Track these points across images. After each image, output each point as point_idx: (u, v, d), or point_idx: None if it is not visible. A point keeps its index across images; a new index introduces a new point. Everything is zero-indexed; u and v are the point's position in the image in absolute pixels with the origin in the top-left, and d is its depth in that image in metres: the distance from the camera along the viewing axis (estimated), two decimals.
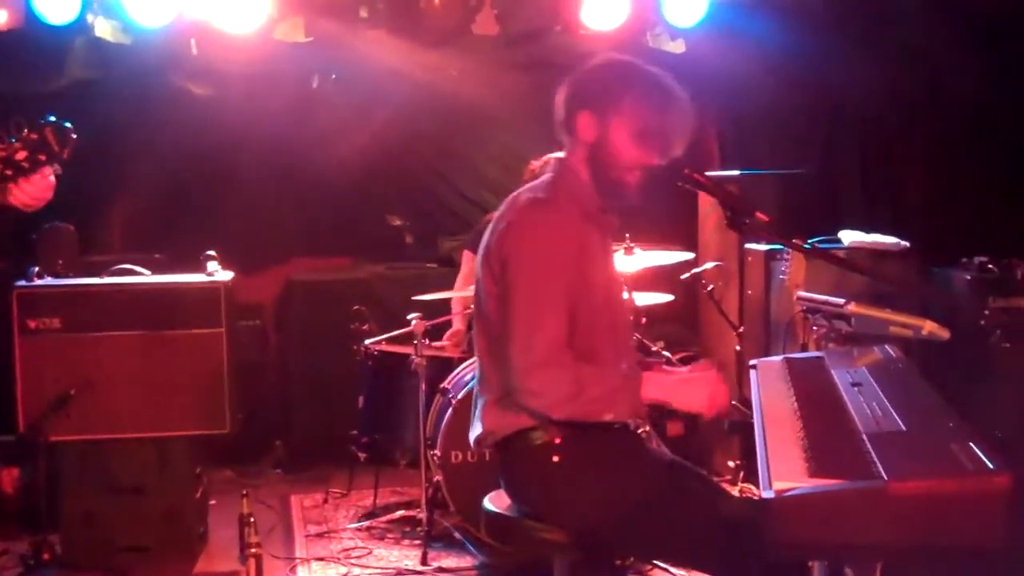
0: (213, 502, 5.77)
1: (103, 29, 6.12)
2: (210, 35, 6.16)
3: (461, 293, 5.83)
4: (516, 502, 3.20)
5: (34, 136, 3.05)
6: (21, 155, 3.03)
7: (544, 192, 3.17)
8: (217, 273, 5.30)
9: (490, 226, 3.21)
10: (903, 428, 2.73)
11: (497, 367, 3.13)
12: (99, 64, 6.38)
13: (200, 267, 5.35)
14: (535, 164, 5.58)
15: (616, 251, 3.47)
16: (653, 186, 3.18)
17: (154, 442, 5.20)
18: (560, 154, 3.28)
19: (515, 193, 3.25)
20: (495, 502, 3.26)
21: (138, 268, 5.41)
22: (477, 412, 3.26)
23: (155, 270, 5.49)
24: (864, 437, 2.68)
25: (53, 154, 3.07)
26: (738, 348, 5.83)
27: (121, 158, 6.75)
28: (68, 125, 3.05)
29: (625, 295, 5.28)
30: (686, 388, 3.10)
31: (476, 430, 3.26)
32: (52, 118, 3.07)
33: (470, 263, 6.03)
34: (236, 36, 6.13)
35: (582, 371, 3.01)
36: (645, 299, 5.71)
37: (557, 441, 3.08)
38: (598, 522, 3.02)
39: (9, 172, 3.06)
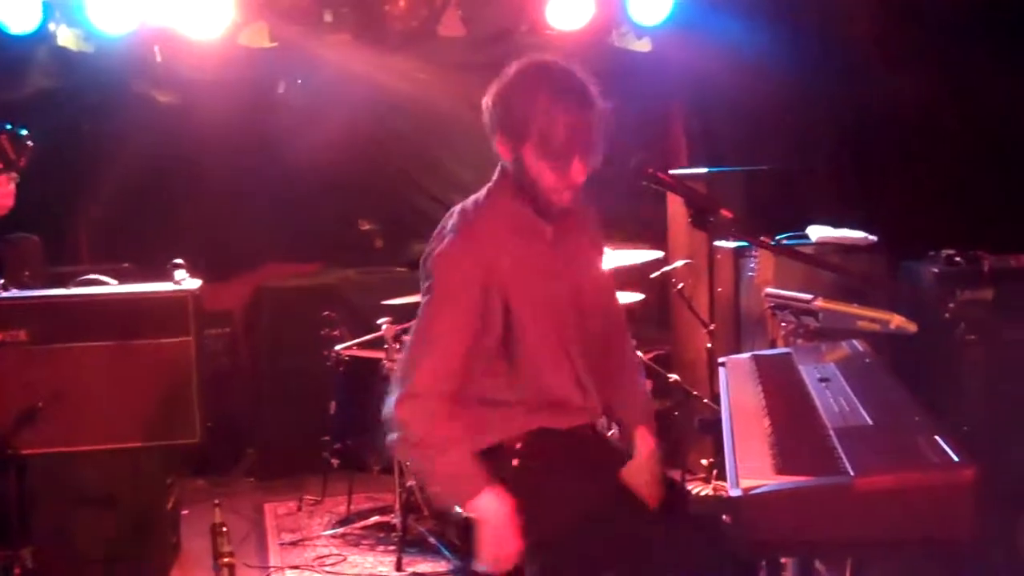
0: (185, 512, 5.74)
1: (65, 38, 6.09)
2: (174, 42, 6.14)
3: (411, 299, 5.81)
4: None
5: None
6: None
7: (471, 211, 3.14)
8: (185, 281, 5.26)
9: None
10: (870, 423, 2.74)
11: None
12: (62, 73, 6.34)
13: (167, 276, 5.31)
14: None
15: (598, 245, 3.36)
16: (621, 186, 3.16)
17: (124, 453, 5.15)
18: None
19: (461, 204, 3.22)
20: None
21: (105, 278, 5.37)
22: None
23: (122, 280, 5.45)
24: (831, 432, 2.69)
25: (9, 162, 3.03)
26: (709, 346, 5.82)
27: (86, 167, 6.71)
28: (24, 133, 3.02)
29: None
30: (491, 531, 2.96)
31: None
32: (8, 126, 3.03)
33: None
34: (200, 42, 6.11)
35: (444, 433, 2.97)
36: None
37: (518, 446, 3.09)
38: (555, 528, 2.99)
39: None
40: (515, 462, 3.08)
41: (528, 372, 3.09)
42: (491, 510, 2.95)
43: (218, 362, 6.92)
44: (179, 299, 5.18)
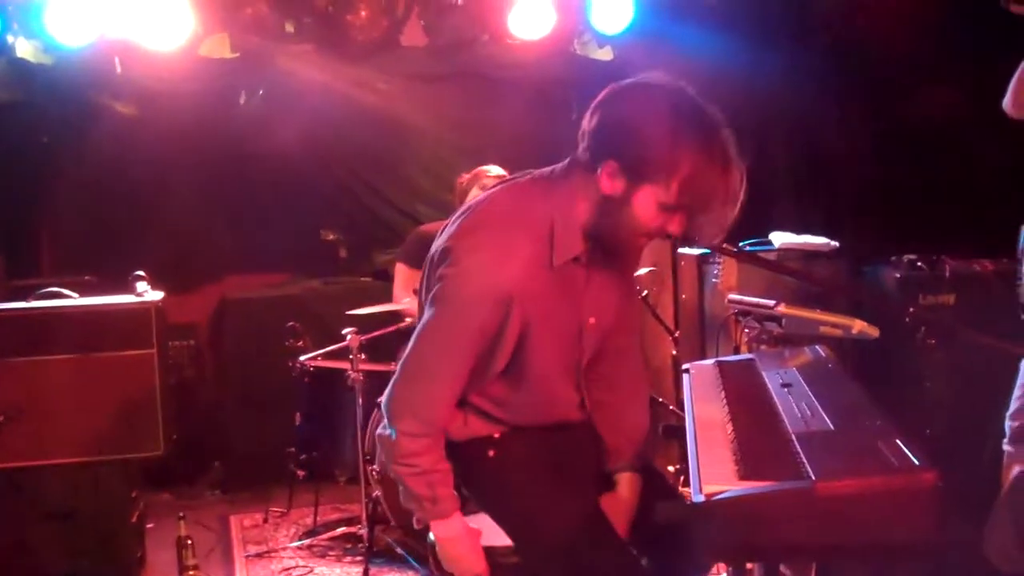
0: (150, 525, 5.69)
1: (24, 50, 6.04)
2: (134, 53, 6.11)
3: (399, 306, 5.80)
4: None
5: None
6: None
7: (508, 224, 2.78)
8: (147, 293, 5.23)
9: (451, 225, 2.92)
10: (832, 428, 2.75)
11: None
12: (21, 85, 6.29)
13: (130, 288, 5.28)
14: (464, 177, 5.58)
15: (634, 285, 3.17)
16: None
17: (87, 467, 5.11)
18: (568, 161, 2.85)
19: (485, 198, 2.92)
20: None
21: (66, 291, 5.33)
22: None
23: (84, 292, 5.41)
24: (793, 438, 2.69)
25: None
26: (674, 352, 5.85)
27: (47, 180, 6.67)
28: None
29: None
30: (454, 553, 2.96)
31: None
32: None
33: (403, 275, 6.01)
34: (160, 53, 6.07)
35: (438, 453, 2.91)
36: None
37: (496, 436, 3.02)
38: (527, 522, 2.98)
39: None
40: (491, 452, 3.02)
41: (529, 399, 2.99)
42: (455, 532, 2.95)
43: (182, 374, 6.89)
44: (141, 311, 5.15)
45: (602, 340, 3.06)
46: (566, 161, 2.86)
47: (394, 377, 2.92)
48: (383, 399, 2.93)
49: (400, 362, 2.93)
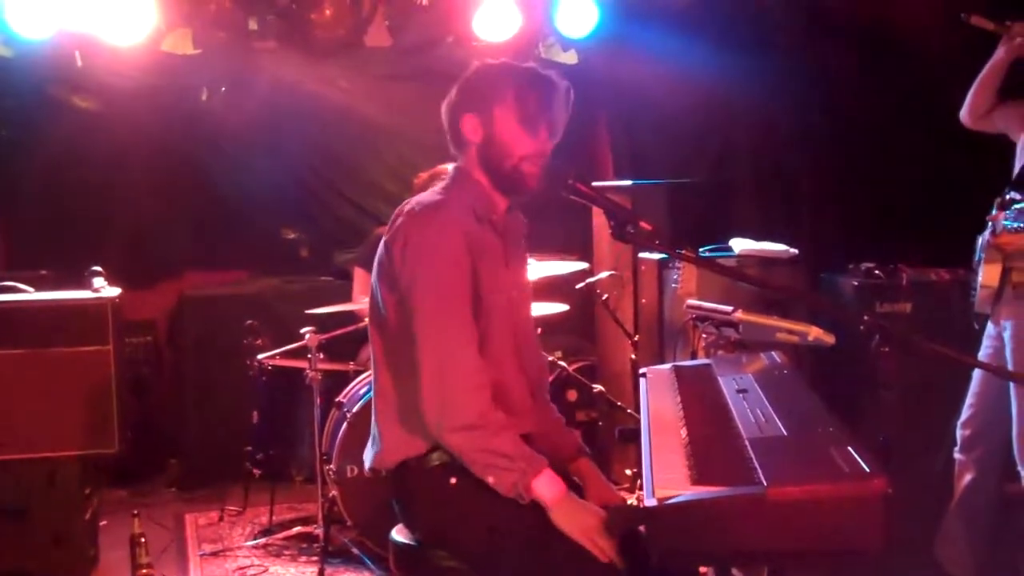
0: (104, 523, 5.65)
1: None
2: (95, 47, 6.05)
3: (358, 305, 5.79)
4: (411, 528, 3.12)
5: None
6: None
7: (437, 196, 3.11)
8: (104, 289, 5.20)
9: (386, 231, 3.12)
10: (785, 433, 2.76)
11: (397, 381, 3.06)
12: None
13: (86, 284, 5.24)
14: (422, 176, 5.58)
15: (528, 258, 3.38)
16: (545, 197, 3.15)
17: (41, 463, 5.07)
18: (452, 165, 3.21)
19: (406, 201, 3.15)
20: (403, 534, 3.18)
21: (22, 285, 5.29)
22: (375, 429, 3.15)
23: (40, 287, 5.38)
24: (746, 443, 2.71)
25: None
26: (633, 356, 5.87)
27: (3, 173, 6.61)
28: None
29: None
30: (566, 512, 2.87)
31: (373, 449, 3.15)
32: None
33: (360, 279, 6.01)
34: (122, 48, 6.02)
35: (496, 412, 2.92)
36: (541, 309, 5.72)
37: (456, 462, 2.96)
38: (494, 547, 2.94)
39: None
40: (453, 480, 2.99)
41: (490, 364, 3.02)
42: (557, 487, 2.89)
43: (139, 371, 6.85)
44: (98, 307, 5.12)
45: (526, 317, 3.29)
46: (451, 168, 3.22)
47: (419, 373, 2.93)
48: (425, 403, 2.93)
49: (417, 359, 2.94)
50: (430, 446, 3.02)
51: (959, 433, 4.63)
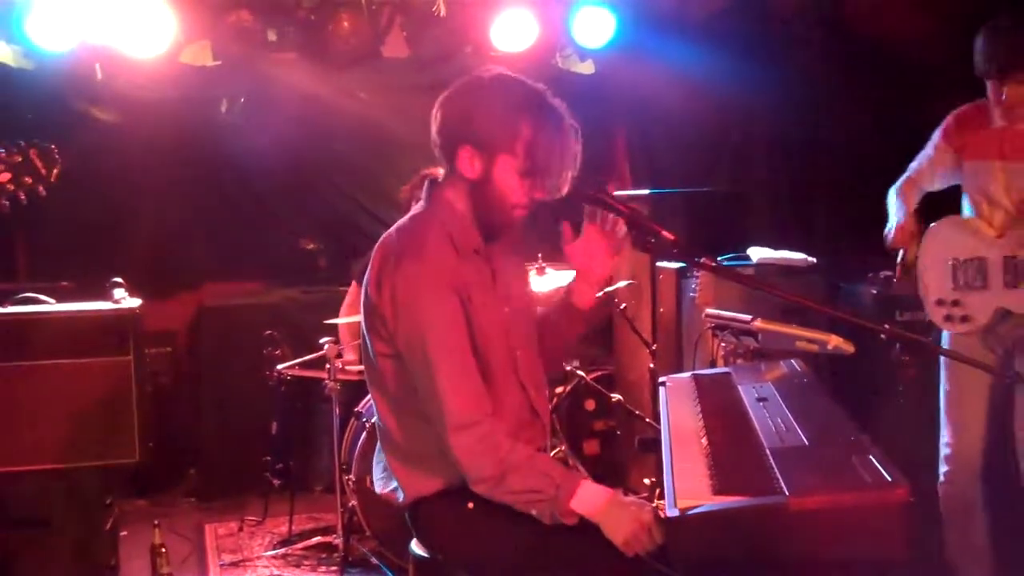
0: (124, 533, 5.66)
1: (5, 54, 6.02)
2: (115, 60, 6.09)
3: (350, 319, 5.82)
4: (430, 550, 3.09)
5: (18, 158, 2.98)
6: (5, 177, 2.97)
7: (413, 240, 2.96)
8: (124, 300, 5.21)
9: (366, 275, 3.03)
10: (806, 443, 2.76)
11: (402, 425, 3.02)
12: (1, 90, 6.26)
13: (107, 295, 5.26)
14: (405, 189, 5.62)
15: (527, 270, 3.34)
16: (565, 206, 3.14)
17: (62, 473, 5.08)
18: (436, 175, 3.10)
19: (386, 236, 3.05)
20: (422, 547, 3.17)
21: (43, 297, 5.31)
22: (384, 468, 3.12)
23: (61, 298, 5.39)
24: (768, 452, 2.71)
25: (40, 176, 3.02)
26: (652, 366, 5.86)
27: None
28: (52, 147, 3.00)
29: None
30: (617, 513, 2.78)
31: (384, 478, 3.13)
32: (35, 140, 3.01)
33: (355, 294, 6.03)
34: (142, 60, 6.06)
35: (510, 451, 2.85)
36: None
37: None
38: (514, 568, 2.91)
39: None
40: (470, 505, 2.95)
41: (492, 390, 2.99)
42: (600, 496, 2.82)
43: (159, 381, 6.86)
44: (119, 318, 5.13)
45: (525, 329, 3.19)
46: (426, 185, 3.11)
47: (436, 427, 2.90)
48: (456, 454, 2.88)
49: (430, 412, 2.90)
50: (443, 486, 2.99)
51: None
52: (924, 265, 4.56)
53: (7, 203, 3.22)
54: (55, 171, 3.06)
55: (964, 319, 4.41)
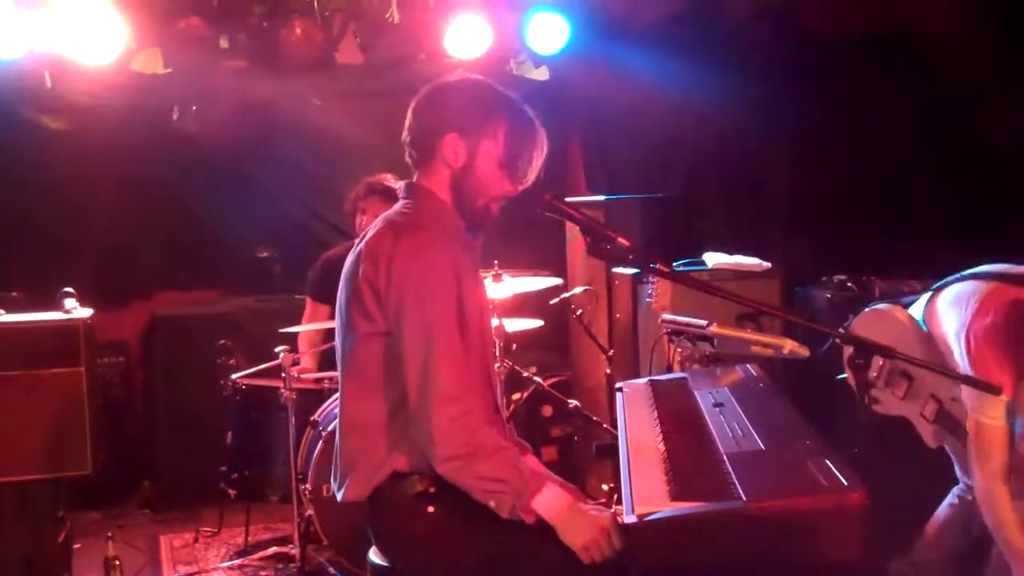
0: (78, 546, 5.60)
1: None
2: (65, 67, 6.03)
3: (311, 327, 5.80)
4: (389, 557, 3.06)
5: None
6: None
7: (410, 221, 3.00)
8: (75, 310, 5.15)
9: (353, 260, 3.02)
10: (762, 448, 2.77)
11: (367, 403, 3.00)
12: None
13: (58, 305, 5.20)
14: (351, 198, 5.61)
15: (484, 277, 3.36)
16: (520, 213, 3.14)
17: (13, 486, 5.01)
18: (384, 181, 3.17)
19: (374, 226, 3.06)
20: (381, 556, 3.14)
21: None
22: (343, 461, 3.09)
23: (10, 309, 5.32)
24: (724, 457, 2.72)
25: None
26: (608, 371, 5.87)
27: None
28: None
29: (495, 321, 5.30)
30: (576, 519, 2.79)
31: (343, 481, 3.08)
32: None
33: (310, 310, 6.01)
34: (92, 68, 5.99)
35: (484, 434, 2.86)
36: (515, 325, 5.72)
37: (432, 490, 2.94)
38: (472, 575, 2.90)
39: None
40: (430, 509, 2.94)
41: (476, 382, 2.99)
42: (562, 500, 2.82)
43: (112, 392, 6.81)
44: (70, 328, 5.07)
45: (490, 345, 3.21)
46: (403, 187, 3.14)
47: (413, 396, 2.89)
48: (415, 432, 2.89)
49: (409, 382, 2.89)
50: (407, 470, 2.97)
51: None
52: None
53: None
54: None
55: None
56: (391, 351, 2.93)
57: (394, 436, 2.97)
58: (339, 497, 3.12)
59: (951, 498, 4.46)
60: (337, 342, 3.13)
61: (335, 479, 3.15)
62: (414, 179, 3.12)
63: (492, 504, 2.83)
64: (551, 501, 2.81)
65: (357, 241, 3.13)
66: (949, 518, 4.45)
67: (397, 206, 3.12)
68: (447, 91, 3.07)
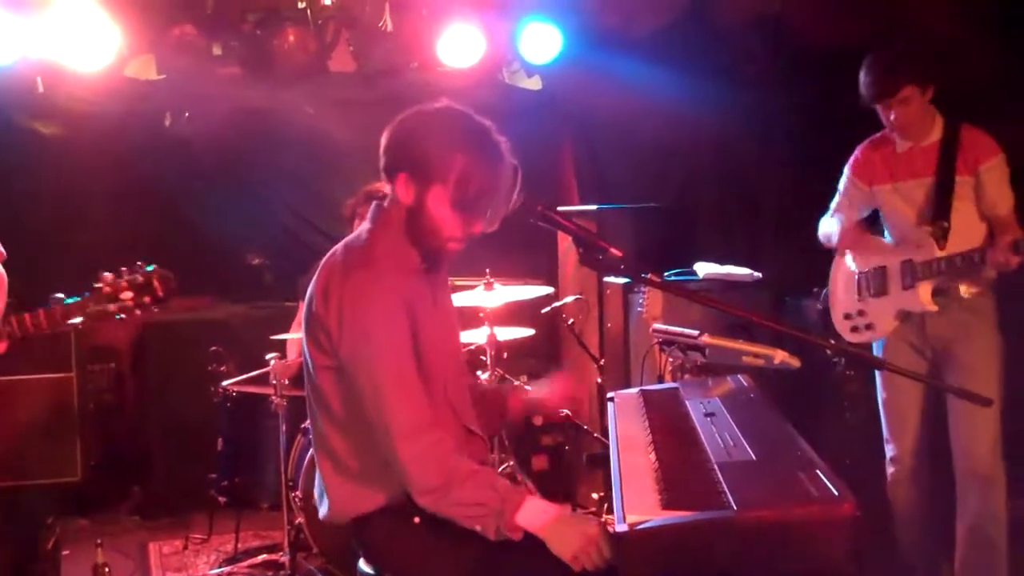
0: (67, 552, 5.60)
1: None
2: (57, 73, 6.02)
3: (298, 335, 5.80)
4: (377, 567, 3.07)
5: (141, 280, 3.23)
6: (127, 295, 3.21)
7: (363, 254, 3.01)
8: None
9: (310, 289, 3.04)
10: (753, 458, 2.78)
11: (343, 440, 3.02)
12: None
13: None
14: (350, 203, 5.61)
15: (475, 286, 3.34)
16: (512, 222, 3.14)
17: (1, 492, 5.02)
18: (381, 191, 3.14)
19: (332, 252, 3.09)
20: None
21: None
22: (322, 484, 3.10)
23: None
24: (715, 467, 2.72)
25: (158, 299, 3.30)
26: (599, 380, 5.88)
27: None
28: (171, 276, 3.27)
29: (486, 331, 5.29)
30: (564, 529, 2.79)
31: (324, 507, 3.11)
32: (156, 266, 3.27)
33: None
34: (85, 74, 5.99)
35: (456, 462, 2.87)
36: (506, 334, 5.73)
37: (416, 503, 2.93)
38: None
39: (112, 308, 3.12)
40: (417, 520, 2.95)
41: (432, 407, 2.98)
42: (547, 511, 2.83)
43: (102, 398, 6.79)
44: (61, 334, 5.07)
45: (461, 370, 3.24)
46: (373, 206, 3.13)
47: (379, 435, 2.89)
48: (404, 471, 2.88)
49: (372, 422, 2.90)
50: (384, 503, 2.99)
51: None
52: (834, 283, 4.80)
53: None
54: (170, 296, 3.33)
55: (868, 327, 4.63)
56: (348, 387, 2.94)
57: (361, 469, 3.00)
58: (320, 515, 3.15)
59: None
60: (304, 370, 3.13)
61: (317, 496, 3.17)
62: (384, 202, 3.10)
63: (478, 528, 2.84)
64: (535, 513, 2.83)
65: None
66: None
67: (360, 228, 3.13)
68: (411, 126, 3.01)
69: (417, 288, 3.03)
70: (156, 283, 3.45)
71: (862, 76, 4.51)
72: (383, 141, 3.03)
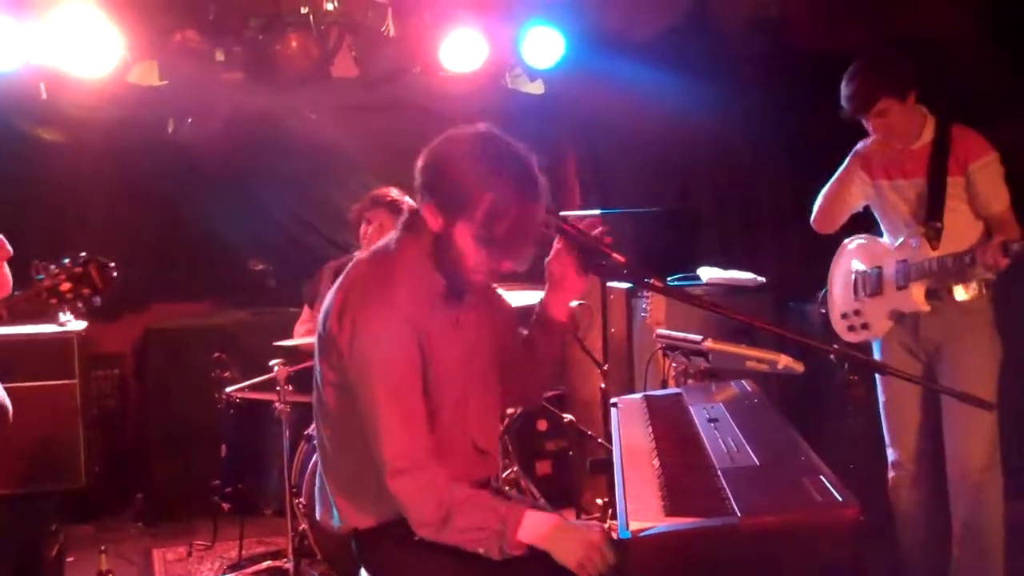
0: (71, 559, 5.59)
1: None
2: (60, 79, 6.02)
3: (304, 340, 5.80)
4: None
5: (78, 270, 3.22)
6: (65, 287, 3.20)
7: (385, 276, 2.95)
8: (70, 323, 5.16)
9: (328, 300, 3.02)
10: (757, 463, 2.77)
11: (344, 456, 3.02)
12: None
13: (52, 317, 5.19)
14: (357, 209, 5.61)
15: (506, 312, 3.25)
16: None
17: (6, 499, 5.02)
18: (387, 195, 3.10)
19: (357, 262, 3.06)
20: None
21: None
22: (326, 497, 3.10)
23: (5, 321, 5.32)
24: (719, 473, 2.72)
25: (97, 290, 3.28)
26: (603, 386, 5.86)
27: None
28: (111, 265, 3.25)
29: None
30: (566, 538, 2.81)
31: (325, 509, 3.11)
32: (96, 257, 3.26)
33: (307, 316, 5.99)
34: (87, 80, 5.98)
35: (451, 492, 2.85)
36: None
37: None
38: None
39: (53, 301, 3.46)
40: (417, 536, 2.93)
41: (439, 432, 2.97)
42: (547, 522, 2.83)
43: (106, 404, 6.78)
44: (64, 340, 5.09)
45: (484, 376, 3.16)
46: (406, 215, 3.07)
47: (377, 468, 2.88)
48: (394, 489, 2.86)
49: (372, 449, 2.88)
50: (379, 522, 2.99)
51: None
52: (832, 283, 4.86)
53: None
54: (109, 287, 3.29)
55: (864, 327, 4.67)
56: (352, 406, 2.93)
57: (359, 486, 3.00)
58: (317, 515, 3.16)
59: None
60: (313, 387, 3.11)
61: (318, 502, 3.17)
62: (420, 209, 2.99)
63: (481, 551, 2.84)
64: (536, 526, 2.83)
65: (358, 253, 3.12)
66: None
67: (390, 237, 3.09)
68: (445, 153, 2.91)
69: (436, 313, 2.99)
70: (94, 273, 3.41)
71: (841, 91, 4.54)
72: (419, 160, 2.94)
